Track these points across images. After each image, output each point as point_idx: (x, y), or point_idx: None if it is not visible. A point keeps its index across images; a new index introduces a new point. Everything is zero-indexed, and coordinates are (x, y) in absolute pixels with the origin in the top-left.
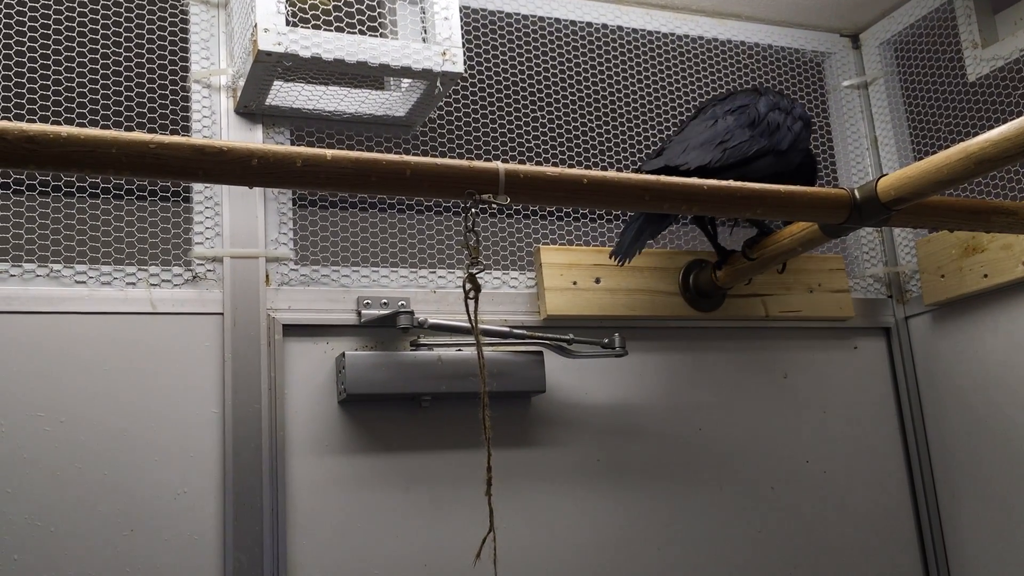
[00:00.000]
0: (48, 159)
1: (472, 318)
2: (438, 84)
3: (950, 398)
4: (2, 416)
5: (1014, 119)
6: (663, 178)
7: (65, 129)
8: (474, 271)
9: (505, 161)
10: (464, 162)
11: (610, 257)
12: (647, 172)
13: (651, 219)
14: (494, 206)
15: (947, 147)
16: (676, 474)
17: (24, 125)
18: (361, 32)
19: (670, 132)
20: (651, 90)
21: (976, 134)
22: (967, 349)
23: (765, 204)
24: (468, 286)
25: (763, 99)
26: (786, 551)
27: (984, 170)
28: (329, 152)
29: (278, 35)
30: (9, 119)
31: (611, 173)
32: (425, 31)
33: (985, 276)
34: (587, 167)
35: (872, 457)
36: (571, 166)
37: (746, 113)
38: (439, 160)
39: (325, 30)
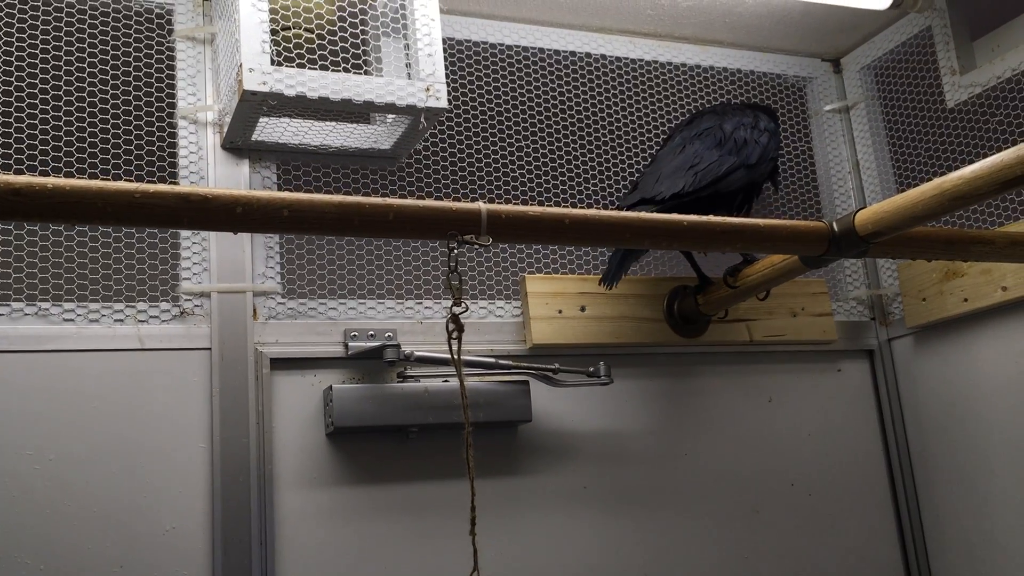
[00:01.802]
0: (35, 211)
1: (456, 359)
2: (422, 119)
3: (933, 419)
4: None
5: (991, 148)
6: (643, 215)
7: (51, 181)
8: (457, 311)
9: (490, 191)
10: (446, 204)
11: (599, 284)
12: (626, 208)
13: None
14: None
15: (928, 172)
16: (662, 499)
17: (11, 178)
18: (346, 70)
19: (643, 166)
20: (635, 118)
21: (956, 160)
22: (950, 371)
23: (745, 238)
24: (451, 326)
25: (727, 119)
26: (773, 574)
27: (958, 206)
28: (312, 197)
29: (263, 75)
30: None
31: (592, 211)
32: (409, 66)
33: (965, 300)
34: (573, 195)
35: (857, 478)
36: (556, 195)
37: (712, 135)
38: (421, 202)
39: (310, 68)
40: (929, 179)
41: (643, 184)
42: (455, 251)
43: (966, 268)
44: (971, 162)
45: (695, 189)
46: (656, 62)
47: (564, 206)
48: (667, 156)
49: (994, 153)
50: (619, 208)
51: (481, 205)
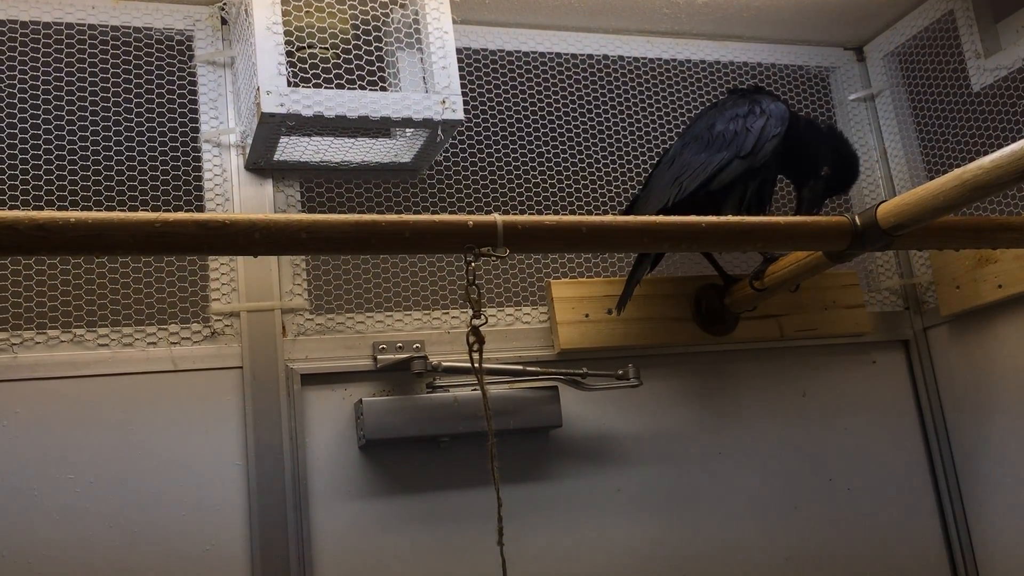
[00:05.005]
0: (59, 245)
1: (478, 371)
2: (439, 132)
3: (972, 408)
4: (34, 480)
5: (1019, 131)
6: (661, 218)
7: (73, 215)
8: (477, 323)
9: (512, 197)
10: (461, 217)
11: (614, 311)
12: None
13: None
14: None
15: (957, 158)
16: (698, 500)
17: (34, 213)
18: (362, 87)
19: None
20: (656, 117)
21: (985, 144)
22: (987, 358)
23: (766, 237)
24: (472, 338)
25: (721, 116)
26: (814, 571)
27: (979, 196)
28: (329, 217)
29: (280, 96)
30: (29, 199)
31: (609, 218)
32: (425, 79)
33: (1000, 286)
34: (596, 199)
35: (896, 471)
36: (579, 199)
37: (701, 139)
38: (436, 217)
39: (326, 87)
40: (958, 165)
41: (636, 208)
42: (472, 264)
43: (999, 254)
44: (1000, 146)
45: (680, 199)
46: (675, 60)
47: (587, 211)
48: (660, 173)
49: (1022, 137)
50: None
51: (497, 217)
